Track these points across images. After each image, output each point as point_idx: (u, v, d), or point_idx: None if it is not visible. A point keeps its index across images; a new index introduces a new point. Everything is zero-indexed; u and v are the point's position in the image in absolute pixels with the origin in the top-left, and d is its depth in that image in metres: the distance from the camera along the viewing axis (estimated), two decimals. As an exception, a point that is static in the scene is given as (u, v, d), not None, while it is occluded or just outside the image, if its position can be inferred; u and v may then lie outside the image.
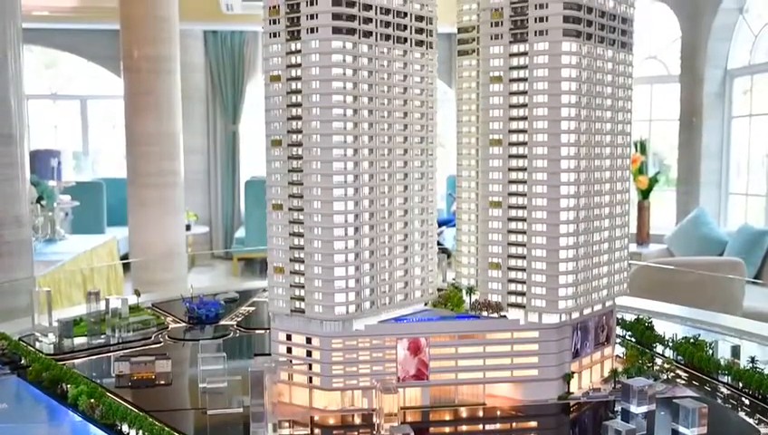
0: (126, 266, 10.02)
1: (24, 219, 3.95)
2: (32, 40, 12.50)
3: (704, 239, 8.70)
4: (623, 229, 2.85)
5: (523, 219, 2.57)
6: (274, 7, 2.47)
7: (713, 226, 8.95)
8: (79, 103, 14.53)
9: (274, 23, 2.48)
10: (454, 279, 3.01)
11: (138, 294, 4.03)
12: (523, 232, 2.57)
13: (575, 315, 2.61)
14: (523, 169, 2.55)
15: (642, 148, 9.86)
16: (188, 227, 12.09)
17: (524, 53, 2.55)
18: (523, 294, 2.59)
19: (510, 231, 2.61)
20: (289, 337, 2.54)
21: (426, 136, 2.72)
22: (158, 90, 9.26)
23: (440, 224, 10.75)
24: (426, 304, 2.80)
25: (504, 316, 2.62)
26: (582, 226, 2.59)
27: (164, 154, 9.41)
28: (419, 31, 2.67)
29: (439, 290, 2.93)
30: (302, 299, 2.48)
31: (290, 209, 2.48)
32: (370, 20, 2.48)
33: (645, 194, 9.69)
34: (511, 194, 2.59)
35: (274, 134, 2.51)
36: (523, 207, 2.57)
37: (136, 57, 9.24)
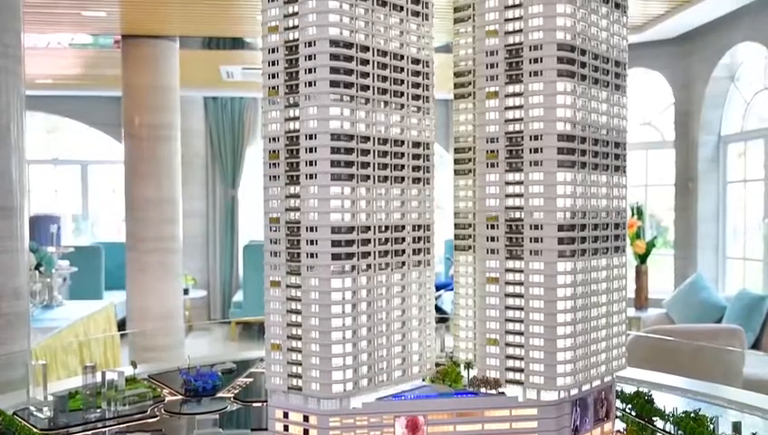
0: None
1: (23, 291, 3.96)
2: (35, 107, 12.66)
3: (702, 304, 8.69)
4: (620, 304, 2.86)
5: (521, 295, 2.58)
6: (274, 88, 2.53)
7: (711, 290, 8.94)
8: (80, 168, 14.65)
9: (273, 103, 2.53)
10: (452, 352, 3.01)
11: (134, 365, 4.01)
12: (521, 308, 2.58)
13: (574, 392, 2.60)
14: (519, 246, 2.57)
15: (639, 213, 9.92)
16: (186, 292, 12.08)
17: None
18: (521, 370, 2.59)
19: (507, 307, 2.61)
20: (286, 414, 2.53)
21: (422, 212, 2.75)
22: (159, 156, 9.37)
23: (438, 287, 10.73)
24: (424, 380, 2.79)
25: (503, 393, 2.61)
26: (580, 302, 2.60)
27: (164, 219, 9.48)
28: (416, 97, 2.72)
29: (437, 365, 2.92)
30: (299, 376, 2.48)
31: (287, 286, 2.49)
32: (367, 90, 2.52)
33: (642, 259, 9.71)
34: (508, 270, 2.60)
35: (273, 212, 2.53)
36: (521, 283, 2.58)
37: (137, 124, 9.37)
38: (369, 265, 2.50)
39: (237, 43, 9.97)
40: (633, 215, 9.76)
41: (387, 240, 2.58)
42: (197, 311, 13.92)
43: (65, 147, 15.08)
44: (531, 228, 2.56)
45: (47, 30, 9.09)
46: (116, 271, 11.61)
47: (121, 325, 10.03)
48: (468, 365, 2.80)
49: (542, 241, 2.55)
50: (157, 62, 9.30)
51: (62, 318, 7.68)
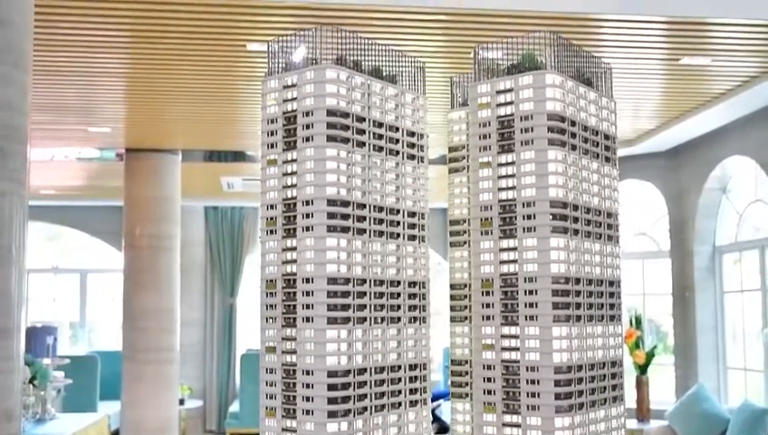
0: (116, 440, 9.80)
1: (15, 412, 3.92)
2: (37, 217, 12.80)
3: (705, 416, 8.57)
4: (620, 420, 2.85)
5: (517, 413, 2.58)
6: (271, 218, 2.60)
7: (713, 402, 8.84)
8: (79, 277, 14.68)
9: (272, 232, 2.60)
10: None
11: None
12: (518, 425, 2.58)
13: None
14: (516, 374, 2.59)
15: (638, 322, 9.90)
16: (182, 402, 11.90)
17: (514, 252, 2.66)
18: (518, 501, 2.56)
19: (504, 424, 2.61)
20: None
21: (419, 316, 2.77)
22: (158, 266, 9.43)
23: (438, 397, 10.59)
24: (420, 510, 2.76)
25: None
26: (578, 418, 2.59)
27: (162, 329, 9.46)
28: (411, 223, 2.79)
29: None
30: (293, 508, 2.45)
31: (283, 416, 2.50)
32: (364, 230, 2.59)
33: (643, 369, 9.62)
34: (506, 399, 2.61)
35: (269, 340, 2.57)
36: (518, 412, 2.58)
37: (138, 234, 9.47)
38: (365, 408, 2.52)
39: (238, 156, 10.20)
40: (631, 325, 9.74)
41: (383, 379, 2.61)
42: (193, 421, 13.67)
43: (65, 254, 15.15)
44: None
45: (54, 144, 9.31)
46: (112, 379, 11.47)
47: (115, 437, 9.87)
48: (465, 495, 2.77)
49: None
50: (159, 174, 9.48)
51: (54, 433, 7.54)
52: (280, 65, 2.72)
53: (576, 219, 2.69)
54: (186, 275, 11.56)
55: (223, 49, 5.92)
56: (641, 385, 9.62)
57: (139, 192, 9.46)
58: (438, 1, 5.05)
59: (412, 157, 2.80)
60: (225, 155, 10.21)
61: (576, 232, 2.68)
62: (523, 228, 2.63)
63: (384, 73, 2.81)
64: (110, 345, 13.96)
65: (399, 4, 5.05)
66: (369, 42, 2.75)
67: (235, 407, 12.91)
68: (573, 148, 2.71)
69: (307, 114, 2.52)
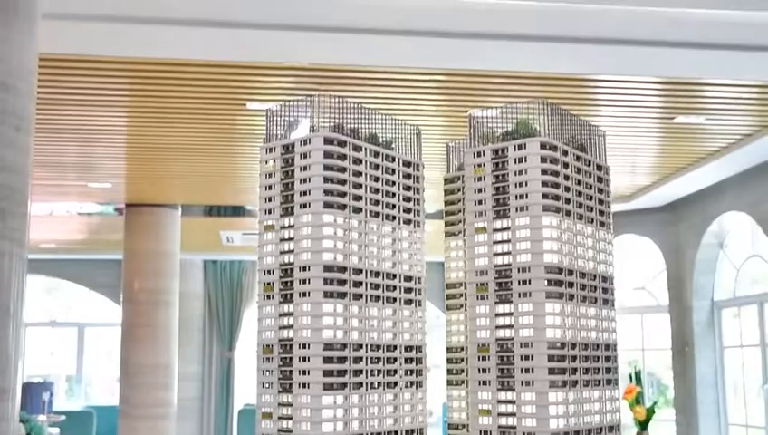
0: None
1: (10, 475, 3.88)
2: (35, 270, 12.79)
3: (707, 475, 8.45)
4: None
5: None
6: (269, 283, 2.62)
7: (716, 460, 8.73)
8: (76, 330, 14.59)
9: (269, 297, 2.62)
10: None
11: None
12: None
13: None
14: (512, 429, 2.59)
15: (638, 378, 9.80)
16: (179, 458, 11.73)
17: (510, 313, 2.68)
18: None
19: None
20: None
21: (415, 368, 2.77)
22: (157, 321, 9.40)
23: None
24: None
25: None
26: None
27: (158, 385, 9.39)
28: (407, 290, 2.80)
29: None
30: None
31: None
32: (360, 283, 2.61)
33: (643, 425, 9.50)
34: (498, 466, 2.60)
35: (266, 406, 2.57)
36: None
37: (136, 289, 9.46)
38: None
39: (237, 211, 10.24)
40: (631, 380, 9.64)
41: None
42: (190, 478, 13.46)
43: (63, 307, 15.08)
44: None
45: (54, 199, 9.36)
46: (107, 435, 11.35)
47: (109, 496, 9.72)
48: None
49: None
50: (158, 229, 9.51)
51: (48, 492, 7.45)
52: (278, 130, 2.78)
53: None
54: (184, 329, 11.48)
55: (223, 107, 6.00)
56: (642, 442, 9.49)
57: (139, 246, 9.47)
58: (434, 62, 5.14)
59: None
60: (225, 209, 10.26)
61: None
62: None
63: (381, 139, 2.86)
64: (106, 400, 13.82)
65: (396, 65, 5.14)
66: (367, 109, 2.81)
67: (232, 463, 12.75)
68: (568, 213, 2.75)
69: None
